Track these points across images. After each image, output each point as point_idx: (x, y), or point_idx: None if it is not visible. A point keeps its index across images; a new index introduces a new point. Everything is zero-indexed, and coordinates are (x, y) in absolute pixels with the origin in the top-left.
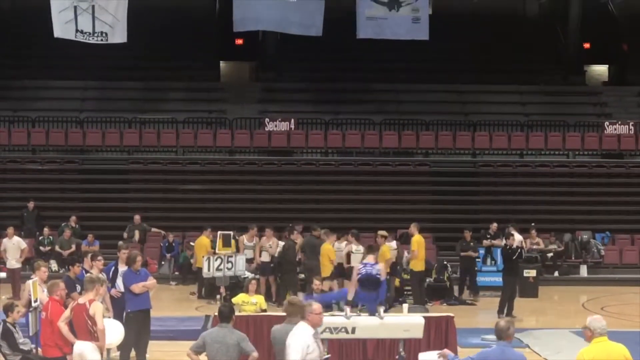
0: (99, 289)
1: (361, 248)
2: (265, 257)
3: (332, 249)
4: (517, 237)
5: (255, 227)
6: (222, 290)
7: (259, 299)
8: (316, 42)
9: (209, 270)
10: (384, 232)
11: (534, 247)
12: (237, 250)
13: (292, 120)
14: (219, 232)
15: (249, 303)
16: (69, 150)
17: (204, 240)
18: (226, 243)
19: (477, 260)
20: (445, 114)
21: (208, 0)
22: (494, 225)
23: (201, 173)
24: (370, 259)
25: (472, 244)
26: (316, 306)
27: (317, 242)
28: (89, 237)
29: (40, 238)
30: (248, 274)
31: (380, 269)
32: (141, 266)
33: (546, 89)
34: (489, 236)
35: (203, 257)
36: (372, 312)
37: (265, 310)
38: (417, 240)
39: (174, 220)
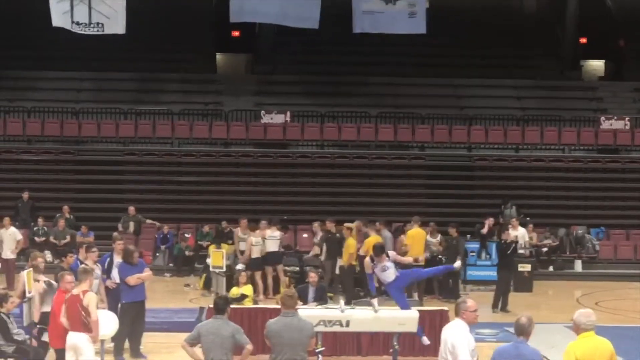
0: (92, 279)
1: (277, 234)
2: (255, 253)
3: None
4: (520, 231)
5: (246, 219)
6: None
7: (247, 289)
8: (313, 35)
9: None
10: (350, 225)
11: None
12: (233, 242)
13: (288, 113)
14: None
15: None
16: (65, 140)
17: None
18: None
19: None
20: (441, 107)
21: None
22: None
23: (196, 165)
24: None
25: (454, 242)
26: (470, 303)
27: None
28: (82, 228)
29: (35, 229)
30: (241, 266)
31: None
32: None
33: (542, 84)
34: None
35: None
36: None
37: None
38: (411, 234)
39: (169, 212)
